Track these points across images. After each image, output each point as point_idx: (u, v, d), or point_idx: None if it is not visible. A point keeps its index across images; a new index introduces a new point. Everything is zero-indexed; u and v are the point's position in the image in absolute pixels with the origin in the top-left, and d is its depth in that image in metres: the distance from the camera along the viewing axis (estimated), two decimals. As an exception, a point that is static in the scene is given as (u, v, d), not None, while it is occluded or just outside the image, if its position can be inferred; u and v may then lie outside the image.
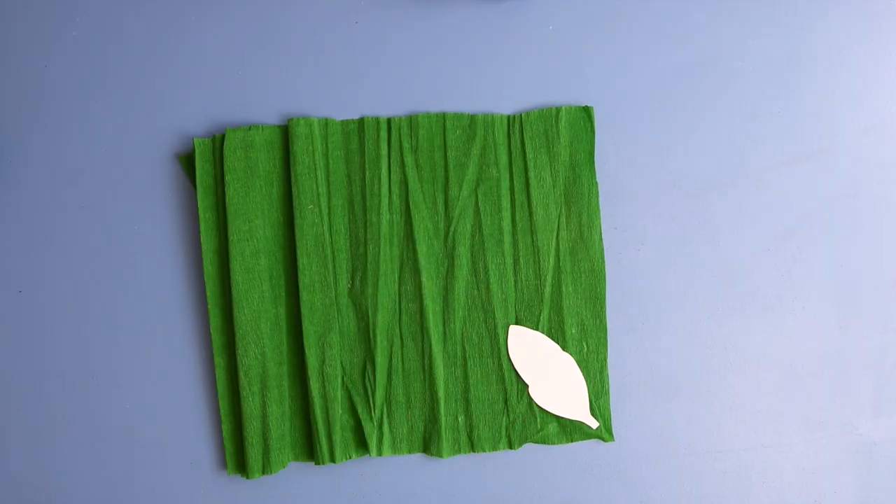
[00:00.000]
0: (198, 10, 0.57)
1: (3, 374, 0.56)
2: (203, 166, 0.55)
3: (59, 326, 0.56)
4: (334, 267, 0.55)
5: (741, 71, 0.56)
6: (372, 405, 0.55)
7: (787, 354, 0.55)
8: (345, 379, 0.55)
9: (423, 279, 0.55)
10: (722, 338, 0.54)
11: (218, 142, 0.55)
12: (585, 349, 0.55)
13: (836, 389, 0.55)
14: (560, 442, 0.55)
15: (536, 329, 0.55)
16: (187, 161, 0.56)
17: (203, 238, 0.55)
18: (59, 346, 0.56)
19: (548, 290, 0.55)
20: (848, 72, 0.56)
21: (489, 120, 0.55)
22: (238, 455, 0.55)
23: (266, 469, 0.55)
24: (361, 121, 0.55)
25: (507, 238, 0.55)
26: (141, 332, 0.56)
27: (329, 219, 0.55)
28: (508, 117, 0.56)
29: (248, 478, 0.54)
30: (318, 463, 0.55)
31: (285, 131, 0.55)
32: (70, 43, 0.56)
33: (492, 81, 0.56)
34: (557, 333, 0.55)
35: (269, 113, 0.56)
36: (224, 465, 0.56)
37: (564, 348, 0.55)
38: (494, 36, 0.56)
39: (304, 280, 0.54)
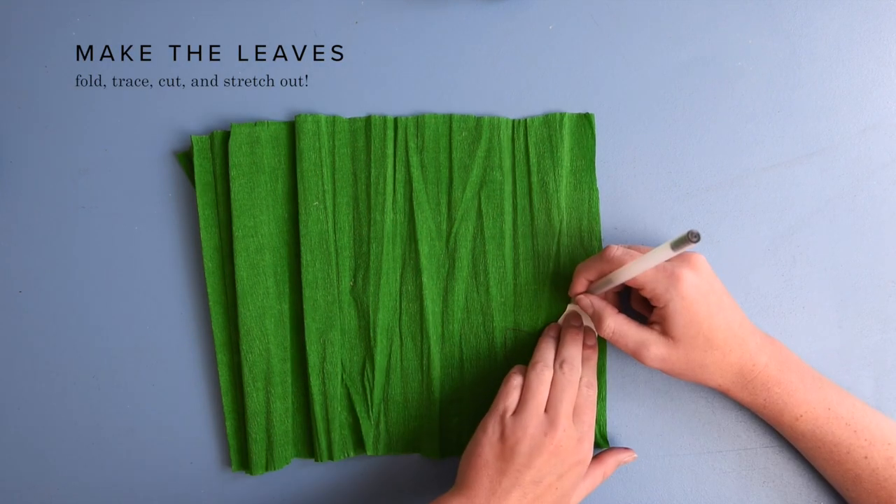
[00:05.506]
0: (198, 10, 0.56)
1: (3, 374, 0.56)
2: (201, 163, 0.55)
3: (59, 326, 0.56)
4: (337, 264, 0.55)
5: (741, 71, 0.56)
6: (370, 404, 0.55)
7: (786, 354, 0.55)
8: (344, 377, 0.55)
9: (424, 280, 0.55)
10: (722, 337, 0.54)
11: (217, 138, 0.55)
12: (584, 353, 0.55)
13: (836, 389, 0.55)
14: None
15: (535, 332, 0.55)
16: (185, 158, 0.56)
17: (203, 235, 0.55)
18: (59, 346, 0.56)
19: (547, 294, 0.55)
20: (848, 72, 0.56)
21: (495, 123, 0.55)
22: (242, 451, 0.55)
23: (270, 465, 0.55)
24: (368, 119, 0.55)
25: (509, 242, 0.55)
26: (142, 330, 0.56)
27: (333, 216, 0.55)
28: (513, 121, 0.55)
29: (251, 473, 0.55)
30: (317, 460, 0.55)
31: (291, 127, 0.55)
32: (70, 43, 0.56)
33: (497, 83, 0.56)
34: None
35: (274, 111, 0.56)
36: (227, 461, 0.56)
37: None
38: (502, 37, 0.56)
39: (307, 277, 0.54)
